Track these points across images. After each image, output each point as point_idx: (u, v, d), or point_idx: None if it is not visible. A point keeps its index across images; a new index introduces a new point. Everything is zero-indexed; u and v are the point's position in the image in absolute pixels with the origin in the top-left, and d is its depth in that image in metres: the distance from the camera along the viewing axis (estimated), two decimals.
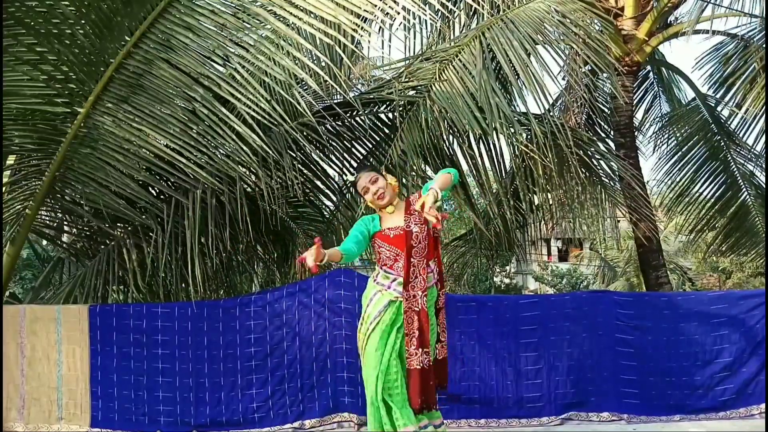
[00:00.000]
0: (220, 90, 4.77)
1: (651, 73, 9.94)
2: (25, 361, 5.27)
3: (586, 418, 5.11)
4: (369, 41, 6.69)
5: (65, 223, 6.57)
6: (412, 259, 3.84)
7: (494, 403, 5.13)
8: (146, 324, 5.27)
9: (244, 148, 4.99)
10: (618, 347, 5.15)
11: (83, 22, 4.75)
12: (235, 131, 4.91)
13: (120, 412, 5.22)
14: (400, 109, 6.04)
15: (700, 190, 9.49)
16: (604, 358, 5.15)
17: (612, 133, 8.30)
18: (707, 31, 8.29)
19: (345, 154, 6.57)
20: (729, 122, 9.28)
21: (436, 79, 5.87)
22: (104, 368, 5.25)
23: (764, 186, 9.11)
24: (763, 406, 5.04)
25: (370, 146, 6.56)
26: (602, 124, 8.75)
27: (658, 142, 9.60)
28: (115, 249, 5.95)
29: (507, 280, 23.47)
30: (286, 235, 6.65)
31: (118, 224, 6.16)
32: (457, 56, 5.91)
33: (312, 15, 4.52)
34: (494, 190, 7.00)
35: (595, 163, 7.23)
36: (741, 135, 9.17)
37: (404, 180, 5.86)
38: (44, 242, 8.32)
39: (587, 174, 7.11)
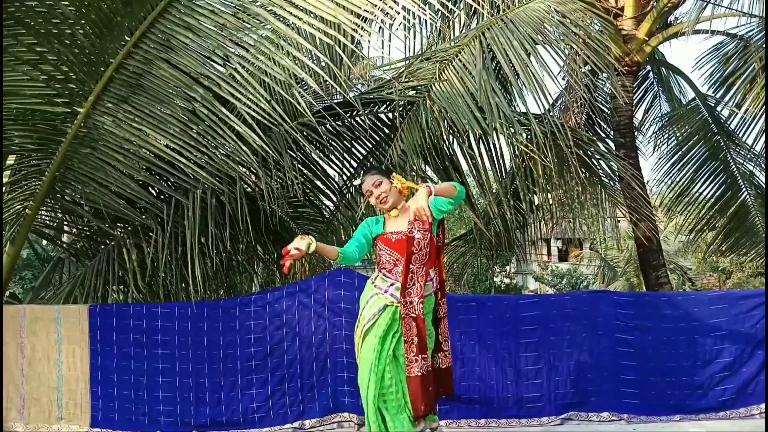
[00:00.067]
0: (220, 90, 4.77)
1: (651, 73, 9.93)
2: (25, 361, 5.27)
3: (586, 418, 5.11)
4: (369, 41, 6.69)
5: (65, 223, 6.57)
6: (411, 266, 3.78)
7: (494, 403, 5.13)
8: (146, 324, 5.27)
9: (244, 148, 4.98)
10: (618, 347, 5.15)
11: (83, 22, 4.74)
12: (235, 131, 4.91)
13: (120, 412, 5.22)
14: (400, 109, 6.04)
15: (700, 190, 9.48)
16: (604, 358, 5.15)
17: (612, 133, 8.29)
18: (707, 31, 8.29)
19: (345, 154, 6.57)
20: (729, 122, 9.28)
21: (436, 79, 5.87)
22: (104, 368, 5.25)
23: (764, 186, 9.11)
24: (763, 406, 5.04)
25: (370, 146, 6.56)
26: (602, 124, 8.75)
27: (658, 142, 9.60)
28: (115, 249, 5.95)
29: (507, 280, 23.47)
30: (286, 235, 6.63)
31: (118, 224, 6.16)
32: (457, 56, 5.91)
33: (312, 15, 4.51)
34: (494, 190, 7.00)
35: (595, 163, 7.23)
36: (741, 135, 9.17)
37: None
38: (44, 242, 8.32)
39: (587, 174, 7.11)
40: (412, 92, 6.13)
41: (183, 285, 5.93)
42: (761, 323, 5.13)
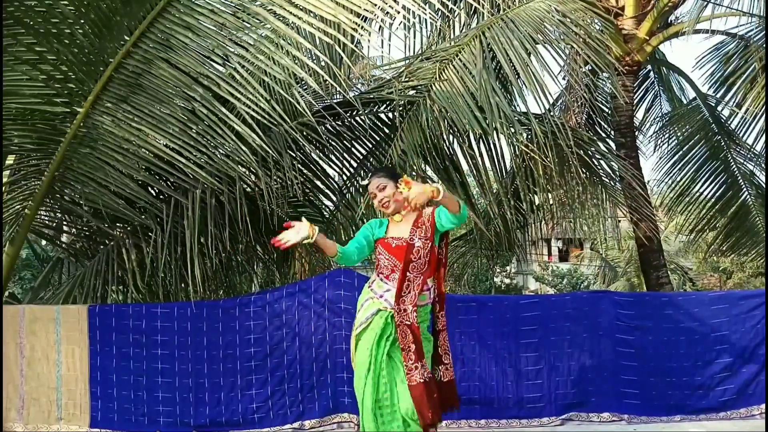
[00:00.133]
0: (220, 90, 4.76)
1: (651, 73, 9.93)
2: (24, 361, 5.27)
3: (587, 419, 5.10)
4: (369, 41, 6.68)
5: (64, 223, 6.56)
6: (408, 273, 3.71)
7: (494, 403, 5.12)
8: (145, 324, 5.26)
9: (244, 147, 4.97)
10: (618, 347, 5.15)
11: (82, 21, 4.73)
12: (234, 131, 4.90)
13: (119, 412, 5.21)
14: (400, 108, 6.03)
15: (701, 190, 9.48)
16: (605, 359, 5.14)
17: (612, 132, 8.29)
18: (707, 31, 8.29)
19: (345, 154, 6.56)
20: (729, 122, 9.27)
21: (436, 78, 5.86)
22: (103, 368, 5.24)
23: (764, 186, 9.10)
24: (763, 406, 5.04)
25: (370, 146, 6.55)
26: (603, 123, 8.74)
27: (659, 141, 9.59)
28: (114, 249, 5.94)
29: (507, 281, 23.47)
30: None
31: (118, 224, 6.15)
32: (457, 56, 5.90)
33: (312, 14, 4.50)
34: (494, 190, 7.00)
35: (596, 163, 7.22)
36: (741, 135, 9.16)
37: None
38: (43, 242, 8.31)
39: (588, 174, 7.10)
40: (412, 92, 6.12)
41: (182, 285, 5.92)
42: (762, 323, 5.12)
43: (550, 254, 30.44)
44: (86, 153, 5.19)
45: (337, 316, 5.18)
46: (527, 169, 6.64)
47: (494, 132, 6.10)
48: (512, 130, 6.01)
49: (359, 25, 4.57)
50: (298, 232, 3.56)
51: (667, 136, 9.54)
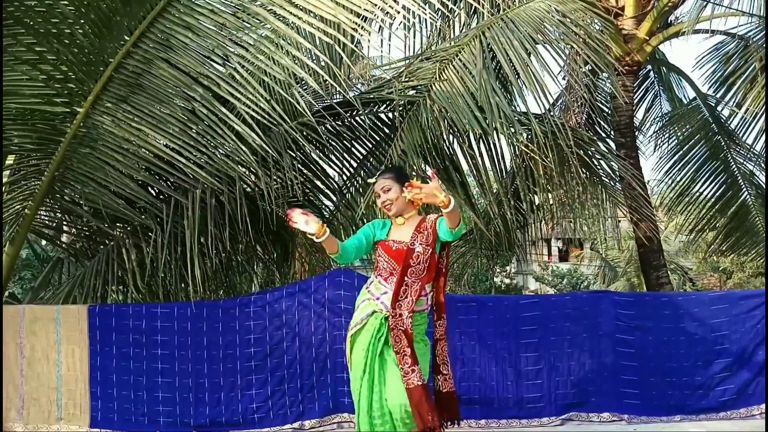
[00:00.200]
0: (220, 90, 4.76)
1: (651, 73, 9.92)
2: (24, 361, 5.27)
3: (587, 419, 5.10)
4: (369, 40, 6.68)
5: (64, 223, 6.56)
6: (406, 278, 3.68)
7: (494, 403, 5.12)
8: (146, 324, 5.26)
9: (244, 147, 4.97)
10: (618, 347, 5.15)
11: (82, 21, 4.73)
12: (234, 131, 4.90)
13: (119, 412, 5.21)
14: (400, 108, 6.03)
15: (701, 190, 9.47)
16: (605, 359, 5.15)
17: (612, 132, 8.28)
18: (707, 31, 8.28)
19: (345, 154, 6.55)
20: (729, 122, 9.27)
21: (436, 78, 5.85)
22: (103, 368, 5.24)
23: (764, 186, 9.10)
24: (763, 406, 5.04)
25: (370, 146, 6.55)
26: (603, 123, 8.73)
27: (659, 141, 9.59)
28: (114, 249, 5.94)
29: (507, 281, 23.47)
30: (286, 235, 6.63)
31: (118, 224, 6.15)
32: (457, 56, 5.90)
33: (312, 14, 4.50)
34: (494, 190, 6.99)
35: (596, 163, 7.22)
36: (741, 135, 9.16)
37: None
38: (43, 242, 8.31)
39: (588, 174, 7.10)
40: (412, 92, 6.12)
41: (182, 285, 5.92)
42: (762, 323, 5.12)
43: (550, 254, 30.44)
44: (86, 153, 5.19)
45: (337, 316, 5.18)
46: (527, 169, 6.64)
47: (494, 132, 6.10)
48: (512, 130, 6.01)
49: (359, 25, 4.57)
50: (306, 223, 3.47)
51: (667, 136, 9.54)
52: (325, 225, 3.54)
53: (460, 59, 5.85)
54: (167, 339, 5.24)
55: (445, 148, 6.25)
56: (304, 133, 5.88)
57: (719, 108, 9.22)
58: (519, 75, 5.77)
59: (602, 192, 7.40)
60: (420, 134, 5.73)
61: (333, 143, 6.45)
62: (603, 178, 7.38)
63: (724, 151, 9.14)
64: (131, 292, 5.79)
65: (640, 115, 9.88)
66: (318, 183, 6.67)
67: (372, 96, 6.32)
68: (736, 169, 9.14)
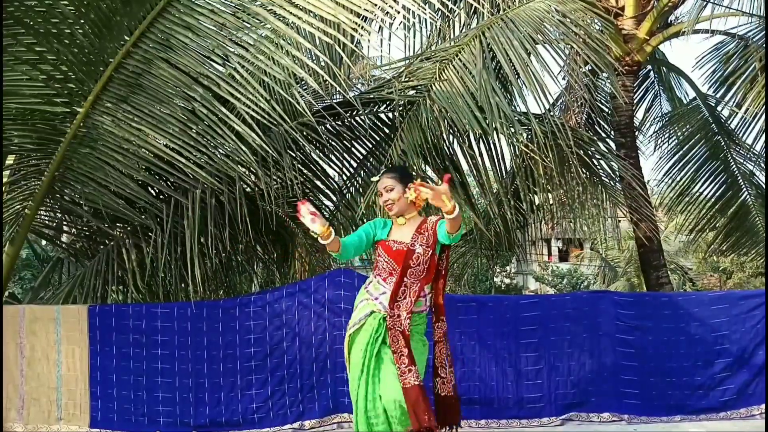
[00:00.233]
0: (220, 90, 4.76)
1: (651, 73, 9.92)
2: (24, 361, 5.26)
3: (587, 419, 5.10)
4: (369, 40, 6.68)
5: (64, 223, 6.56)
6: (405, 279, 3.68)
7: (494, 403, 5.12)
8: (146, 324, 5.26)
9: (244, 147, 4.97)
10: (618, 347, 5.15)
11: (82, 21, 4.73)
12: (234, 131, 4.90)
13: (119, 412, 5.21)
14: (400, 108, 6.03)
15: (701, 190, 9.47)
16: (605, 359, 5.15)
17: (612, 132, 8.28)
18: (707, 31, 8.28)
19: (345, 154, 6.56)
20: (729, 122, 9.27)
21: (436, 78, 5.85)
22: (103, 368, 5.24)
23: (764, 186, 9.10)
24: (763, 406, 5.04)
25: (370, 146, 6.55)
26: (603, 123, 8.73)
27: (659, 141, 9.59)
28: (114, 249, 5.94)
29: (507, 281, 23.46)
30: (286, 235, 6.64)
31: (118, 224, 6.15)
32: (457, 56, 5.90)
33: (312, 14, 4.50)
34: (494, 190, 6.99)
35: (596, 163, 7.22)
36: (741, 135, 9.16)
37: None
38: (43, 242, 8.31)
39: (588, 174, 7.10)
40: (412, 92, 6.12)
41: (182, 285, 5.92)
42: (762, 323, 5.12)
43: (550, 254, 30.44)
44: (86, 153, 5.19)
45: (337, 316, 5.18)
46: (527, 169, 6.64)
47: (494, 132, 6.10)
48: (512, 130, 6.01)
49: (359, 25, 4.57)
50: (313, 222, 3.45)
51: (667, 136, 9.54)
52: (331, 228, 3.53)
53: (460, 59, 5.85)
54: (167, 339, 5.24)
55: (445, 148, 6.25)
56: (304, 133, 5.88)
57: (719, 108, 9.23)
58: (519, 75, 5.77)
59: (602, 192, 7.39)
60: (420, 134, 5.73)
61: (333, 143, 6.45)
62: (603, 178, 7.37)
63: (724, 151, 9.14)
64: (131, 292, 5.79)
65: (640, 115, 9.89)
66: (318, 183, 6.67)
67: (372, 96, 6.32)
68: (736, 169, 9.14)
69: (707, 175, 9.29)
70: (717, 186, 9.31)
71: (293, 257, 6.95)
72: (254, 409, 5.18)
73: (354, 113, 6.48)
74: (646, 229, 7.44)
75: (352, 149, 6.55)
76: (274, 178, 5.65)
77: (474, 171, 6.39)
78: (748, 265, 18.41)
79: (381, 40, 7.52)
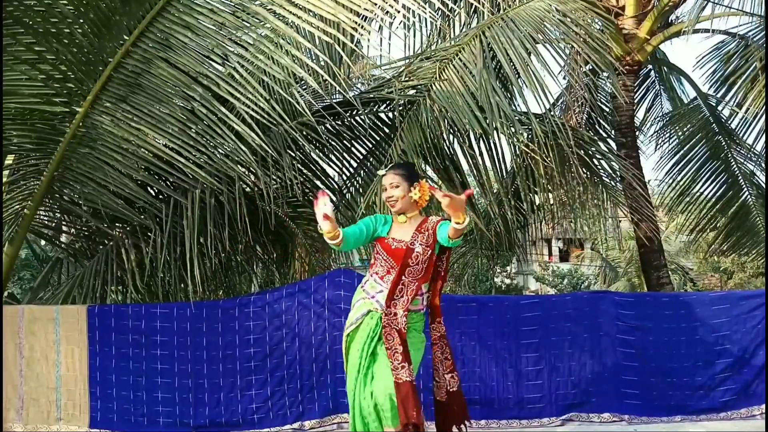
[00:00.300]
0: (219, 89, 4.75)
1: (652, 72, 9.91)
2: (23, 361, 5.25)
3: (587, 419, 5.09)
4: (369, 40, 6.67)
5: (64, 223, 6.56)
6: (403, 277, 3.67)
7: (495, 403, 5.11)
8: (145, 324, 5.25)
9: (243, 147, 4.97)
10: (619, 348, 5.14)
11: (82, 21, 4.73)
12: (234, 131, 4.89)
13: (119, 412, 5.20)
14: (400, 108, 6.02)
15: (701, 190, 9.47)
16: (606, 359, 5.14)
17: (613, 132, 8.28)
18: (708, 31, 8.27)
19: (345, 154, 6.55)
20: (730, 122, 9.26)
21: (436, 78, 5.84)
22: (103, 369, 5.23)
23: (765, 185, 9.09)
24: (764, 406, 5.03)
25: (370, 146, 6.54)
26: (603, 123, 8.73)
27: (659, 141, 9.58)
28: (113, 249, 5.93)
29: (508, 281, 23.46)
30: (286, 235, 6.63)
31: (117, 224, 6.15)
32: (457, 55, 5.89)
33: (311, 13, 4.49)
34: (495, 190, 6.98)
35: (596, 163, 7.21)
36: (742, 134, 9.16)
37: None
38: (43, 242, 8.30)
39: (588, 174, 7.08)
40: (412, 91, 6.11)
41: (182, 285, 5.91)
42: (762, 323, 5.11)
43: (550, 254, 30.45)
44: (85, 153, 5.18)
45: (337, 316, 5.17)
46: (527, 169, 6.63)
47: (494, 132, 6.09)
48: (512, 129, 6.00)
49: (359, 25, 4.56)
50: (324, 219, 3.41)
51: (667, 135, 9.53)
52: (340, 230, 3.50)
53: (460, 59, 5.84)
54: (167, 339, 5.23)
55: (445, 148, 6.24)
56: (304, 133, 5.87)
57: (720, 108, 9.22)
58: (519, 75, 5.76)
59: (603, 192, 7.38)
60: (420, 134, 5.72)
61: (333, 143, 6.44)
62: (603, 178, 7.36)
63: (724, 150, 9.13)
64: (130, 293, 5.78)
65: (640, 114, 9.88)
66: (318, 183, 6.66)
67: (372, 96, 6.31)
68: (736, 168, 9.14)
69: (708, 175, 9.29)
70: (718, 186, 9.30)
71: (293, 257, 6.94)
72: (254, 410, 5.17)
73: (354, 113, 6.47)
74: (647, 229, 7.43)
75: (352, 149, 6.55)
76: (274, 178, 5.64)
77: (474, 171, 6.38)
78: (748, 266, 18.40)
79: (381, 39, 7.52)
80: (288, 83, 4.94)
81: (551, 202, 7.46)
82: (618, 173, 7.51)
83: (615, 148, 7.98)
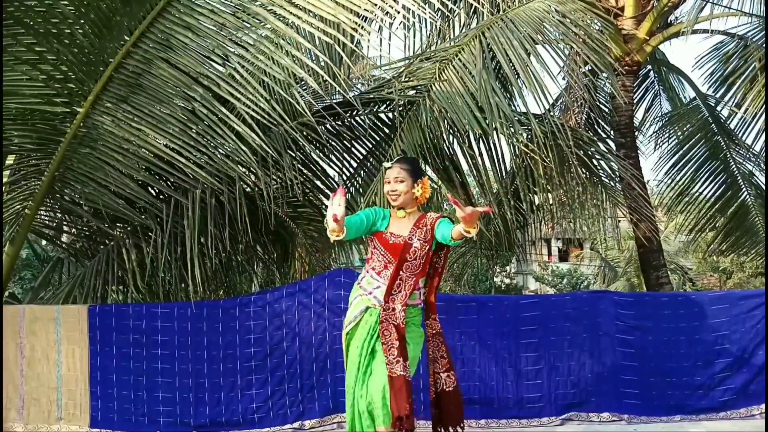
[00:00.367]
0: (220, 90, 4.76)
1: (651, 73, 9.92)
2: (24, 361, 5.26)
3: (587, 419, 5.10)
4: (369, 40, 6.68)
5: (64, 223, 6.57)
6: (401, 272, 3.69)
7: (494, 403, 5.12)
8: (146, 324, 5.26)
9: (244, 147, 4.97)
10: (618, 347, 5.15)
11: (82, 21, 4.74)
12: (234, 131, 4.90)
13: (119, 412, 5.21)
14: (400, 108, 6.03)
15: (700, 190, 9.48)
16: (605, 359, 5.15)
17: (612, 133, 8.29)
18: (707, 31, 8.28)
19: (345, 154, 6.56)
20: (729, 122, 9.27)
21: (436, 78, 5.85)
22: (104, 368, 5.24)
23: (764, 186, 9.11)
24: (763, 406, 5.04)
25: (370, 146, 6.56)
26: (602, 124, 8.74)
27: (659, 141, 9.59)
28: (114, 249, 5.95)
29: (507, 281, 23.46)
30: (286, 235, 6.64)
31: (118, 224, 6.16)
32: (457, 56, 5.90)
33: (311, 14, 4.50)
34: (494, 190, 6.99)
35: (596, 163, 7.22)
36: (741, 134, 9.16)
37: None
38: (43, 242, 8.31)
39: (588, 174, 7.09)
40: (411, 92, 6.12)
41: (182, 285, 5.92)
42: (762, 323, 5.12)
43: (550, 254, 30.44)
44: (86, 153, 5.19)
45: (337, 316, 5.18)
46: (527, 169, 6.64)
47: (494, 132, 6.10)
48: (512, 130, 6.01)
49: (359, 25, 4.57)
50: (333, 220, 3.41)
51: (666, 136, 9.54)
52: (344, 229, 3.50)
53: (459, 59, 5.85)
54: (167, 339, 5.24)
55: (445, 148, 6.25)
56: (304, 133, 5.88)
57: (719, 108, 9.23)
58: (519, 75, 5.77)
59: (602, 192, 7.39)
60: (420, 134, 5.73)
61: (333, 143, 6.45)
62: (603, 178, 7.37)
63: (723, 151, 9.14)
64: (131, 292, 5.79)
65: (639, 115, 9.88)
66: (318, 183, 6.67)
67: (372, 96, 6.32)
68: (735, 168, 9.14)
69: (707, 175, 9.29)
70: (717, 186, 9.31)
71: (293, 257, 6.95)
72: (254, 409, 5.18)
73: (354, 113, 6.49)
74: (646, 229, 7.44)
75: (352, 149, 6.56)
76: (274, 178, 5.65)
77: (474, 171, 6.39)
78: (747, 265, 18.42)
79: (381, 40, 7.53)
80: (288, 84, 4.95)
81: (550, 202, 7.47)
82: (617, 173, 7.52)
83: (614, 148, 7.99)
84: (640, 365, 5.12)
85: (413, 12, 4.57)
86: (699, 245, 11.54)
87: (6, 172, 5.79)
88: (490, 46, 5.78)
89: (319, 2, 4.39)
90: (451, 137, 6.29)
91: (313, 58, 5.99)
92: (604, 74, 8.05)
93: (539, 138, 5.72)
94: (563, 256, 31.40)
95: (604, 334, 5.17)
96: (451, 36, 7.87)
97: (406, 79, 6.15)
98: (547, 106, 5.86)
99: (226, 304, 5.37)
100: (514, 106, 7.02)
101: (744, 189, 9.16)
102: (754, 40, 8.14)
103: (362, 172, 6.53)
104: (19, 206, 5.64)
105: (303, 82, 6.13)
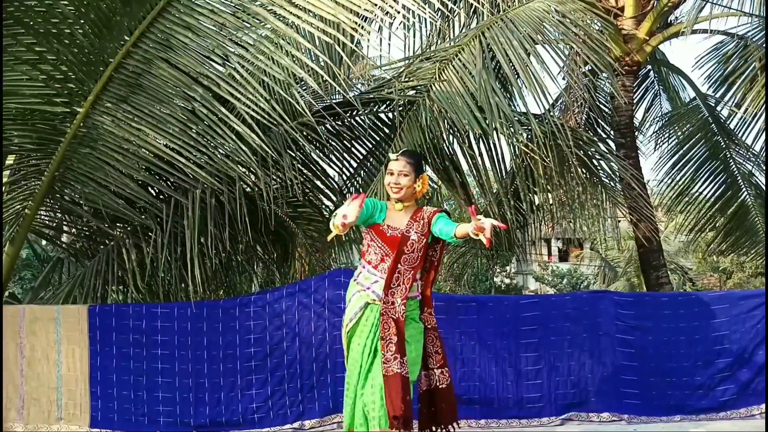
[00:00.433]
0: (220, 90, 4.76)
1: (651, 73, 9.92)
2: (24, 361, 5.26)
3: (587, 419, 5.10)
4: (369, 40, 6.68)
5: (64, 223, 6.56)
6: (399, 265, 3.69)
7: (494, 403, 5.12)
8: (146, 324, 5.26)
9: (244, 147, 4.97)
10: (618, 347, 5.15)
11: (82, 21, 4.74)
12: (234, 131, 4.90)
13: (119, 412, 5.20)
14: (400, 108, 6.03)
15: (700, 190, 9.48)
16: (605, 359, 5.15)
17: (612, 133, 8.29)
18: (707, 31, 8.28)
19: (345, 154, 6.56)
20: (729, 122, 9.27)
21: (435, 78, 5.86)
22: (104, 368, 5.23)
23: (764, 185, 9.11)
24: (763, 406, 5.03)
25: (370, 146, 6.56)
26: (602, 124, 8.74)
27: (658, 141, 9.59)
28: (114, 249, 5.94)
29: (507, 281, 23.47)
30: (286, 235, 6.64)
31: (118, 224, 6.15)
32: (456, 56, 5.90)
33: (311, 14, 4.50)
34: (494, 190, 7.00)
35: (596, 163, 7.22)
36: (741, 134, 9.16)
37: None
38: (43, 242, 8.31)
39: (587, 174, 7.09)
40: (411, 92, 6.12)
41: (182, 285, 5.92)
42: (762, 323, 5.12)
43: (550, 254, 30.44)
44: (86, 153, 5.19)
45: (337, 316, 5.17)
46: (527, 169, 6.64)
47: (494, 132, 6.10)
48: (512, 130, 6.02)
49: (359, 25, 4.57)
50: (342, 224, 3.48)
51: (666, 136, 9.54)
52: (347, 228, 3.54)
53: (459, 59, 5.85)
54: (167, 339, 5.24)
55: (445, 148, 6.25)
56: (304, 133, 5.89)
57: (719, 108, 9.23)
58: (519, 75, 5.78)
59: (602, 192, 7.39)
60: (420, 134, 5.74)
61: (333, 143, 6.46)
62: (603, 178, 7.38)
63: (723, 151, 9.14)
64: (131, 292, 5.79)
65: (639, 115, 9.88)
66: (318, 183, 6.68)
67: (372, 96, 6.32)
68: (735, 168, 9.15)
69: (707, 175, 9.30)
70: (716, 186, 9.31)
71: (293, 257, 6.95)
72: (254, 409, 5.18)
73: (354, 113, 6.49)
74: (646, 229, 7.44)
75: (352, 149, 6.56)
76: (274, 178, 5.66)
77: (474, 171, 6.40)
78: (747, 265, 18.43)
79: (381, 40, 7.52)
80: (288, 84, 4.95)
81: (550, 202, 7.47)
82: (617, 173, 7.52)
83: (614, 148, 7.99)
84: (640, 365, 5.12)
85: (413, 12, 4.57)
86: (699, 245, 11.54)
87: (6, 172, 5.79)
88: (490, 46, 5.78)
89: (319, 2, 4.39)
90: (451, 137, 6.29)
91: (313, 58, 5.99)
92: (604, 74, 8.06)
93: (539, 138, 5.73)
94: (563, 256, 31.40)
95: (604, 334, 5.17)
96: (451, 36, 7.87)
97: (406, 79, 6.15)
98: (547, 106, 5.86)
99: (226, 304, 5.37)
100: (514, 106, 7.02)
101: (744, 189, 9.16)
102: (754, 40, 8.14)
103: (362, 172, 6.53)
104: (19, 206, 5.64)
105: (303, 82, 6.13)
